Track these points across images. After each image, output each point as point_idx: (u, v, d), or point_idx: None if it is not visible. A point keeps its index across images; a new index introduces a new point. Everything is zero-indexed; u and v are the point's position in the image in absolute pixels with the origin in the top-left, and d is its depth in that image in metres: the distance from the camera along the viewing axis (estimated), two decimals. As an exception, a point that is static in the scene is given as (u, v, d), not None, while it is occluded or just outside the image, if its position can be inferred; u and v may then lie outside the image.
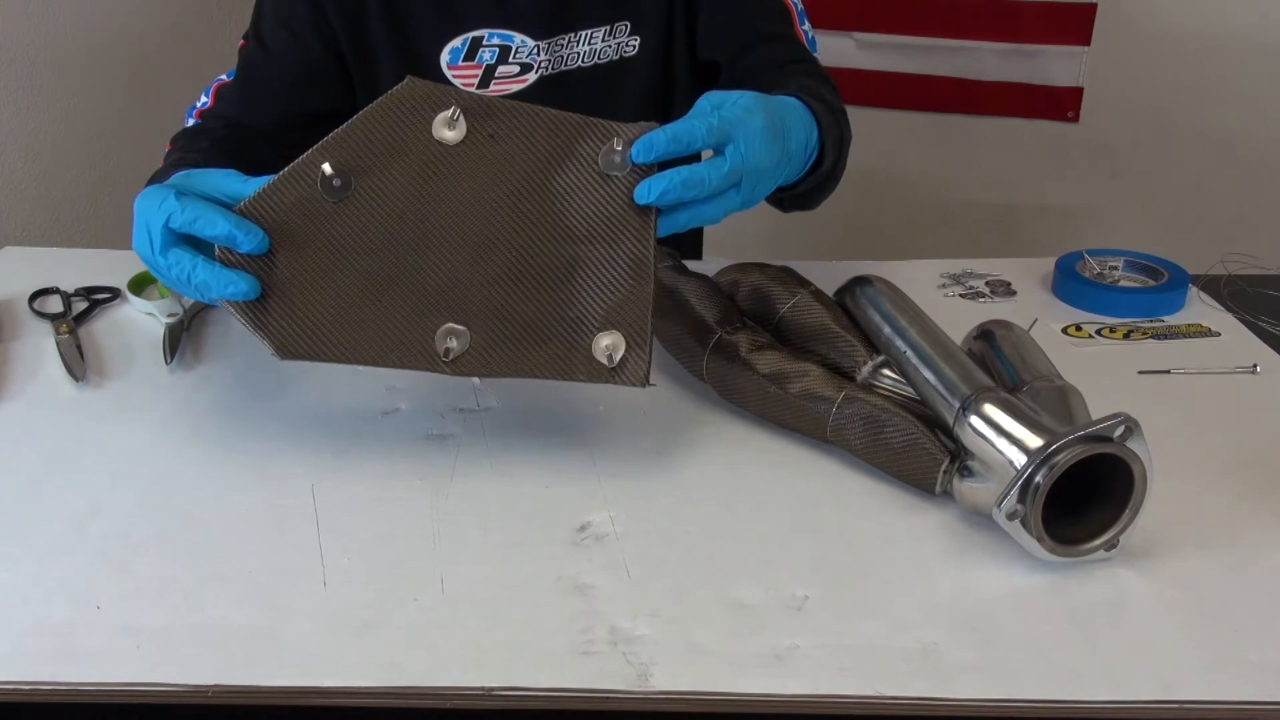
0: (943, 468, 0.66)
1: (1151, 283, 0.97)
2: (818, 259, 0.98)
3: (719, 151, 0.68)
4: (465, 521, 0.65)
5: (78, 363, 0.83)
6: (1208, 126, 1.88)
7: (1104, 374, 0.83)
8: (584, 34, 0.95)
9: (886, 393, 0.71)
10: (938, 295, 0.98)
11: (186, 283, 0.66)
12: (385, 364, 0.67)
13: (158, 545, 0.63)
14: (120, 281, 0.95)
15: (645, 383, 0.68)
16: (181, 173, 0.70)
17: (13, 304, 0.93)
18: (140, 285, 0.95)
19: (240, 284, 0.65)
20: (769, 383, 0.73)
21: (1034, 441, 0.60)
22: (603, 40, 0.96)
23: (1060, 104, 1.96)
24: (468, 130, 0.68)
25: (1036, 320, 0.92)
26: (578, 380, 0.68)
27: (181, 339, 0.87)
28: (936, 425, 0.68)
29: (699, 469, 0.71)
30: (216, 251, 0.66)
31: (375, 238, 0.67)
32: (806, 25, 0.99)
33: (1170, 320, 0.93)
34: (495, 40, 0.93)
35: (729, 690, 0.53)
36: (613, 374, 0.68)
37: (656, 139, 0.67)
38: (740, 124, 0.68)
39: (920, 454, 0.67)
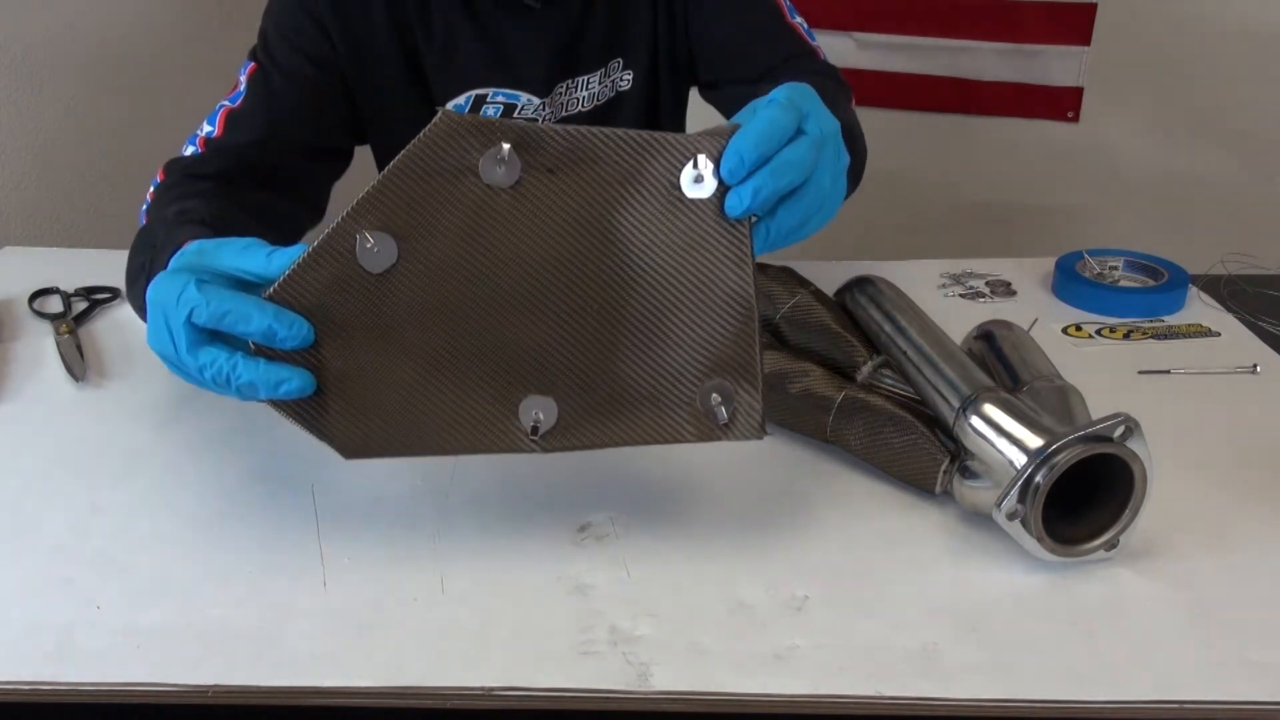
0: (943, 468, 0.66)
1: (1151, 283, 0.97)
2: (818, 259, 0.98)
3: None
4: (465, 521, 0.65)
5: (78, 363, 0.83)
6: (1208, 126, 1.88)
7: (1104, 374, 0.83)
8: (582, 79, 0.96)
9: (887, 393, 0.71)
10: (938, 295, 0.98)
11: (226, 384, 0.57)
12: (466, 450, 0.59)
13: (158, 545, 0.63)
14: (120, 281, 0.95)
15: (762, 432, 0.59)
16: (193, 247, 0.60)
17: (13, 304, 0.93)
18: (140, 285, 0.96)
19: (294, 380, 0.56)
20: (769, 382, 0.73)
21: (1034, 441, 0.60)
22: (599, 82, 0.97)
23: (1060, 104, 1.96)
24: (521, 167, 0.57)
25: (1037, 320, 0.92)
26: (686, 442, 0.60)
27: (181, 339, 0.87)
28: (937, 425, 0.68)
29: (699, 469, 0.71)
30: (252, 346, 0.57)
31: (431, 308, 0.58)
32: (799, 18, 0.98)
33: (1170, 320, 0.93)
34: (500, 98, 0.93)
35: (729, 690, 0.53)
36: (725, 430, 0.59)
37: (744, 148, 0.55)
38: (803, 95, 0.59)
39: (920, 454, 0.67)
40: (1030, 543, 0.60)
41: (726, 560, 0.62)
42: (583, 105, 0.97)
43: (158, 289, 0.58)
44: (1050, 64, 1.93)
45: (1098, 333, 0.91)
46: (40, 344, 0.87)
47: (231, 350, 0.57)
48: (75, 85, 1.45)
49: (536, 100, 0.94)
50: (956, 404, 0.66)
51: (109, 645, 0.55)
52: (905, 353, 0.72)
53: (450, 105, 0.94)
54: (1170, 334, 0.91)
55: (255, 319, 0.55)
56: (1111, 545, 0.61)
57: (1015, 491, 0.59)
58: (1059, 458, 0.58)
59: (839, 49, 1.95)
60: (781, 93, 0.58)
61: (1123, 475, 0.60)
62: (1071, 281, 0.97)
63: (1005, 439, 0.62)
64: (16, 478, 0.69)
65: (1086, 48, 1.90)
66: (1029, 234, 2.08)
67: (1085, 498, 0.61)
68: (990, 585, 0.60)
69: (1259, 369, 0.84)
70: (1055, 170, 2.02)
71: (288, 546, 0.63)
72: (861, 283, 0.80)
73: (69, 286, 0.95)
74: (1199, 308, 0.95)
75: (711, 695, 0.53)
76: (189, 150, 0.87)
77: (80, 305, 0.93)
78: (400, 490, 0.68)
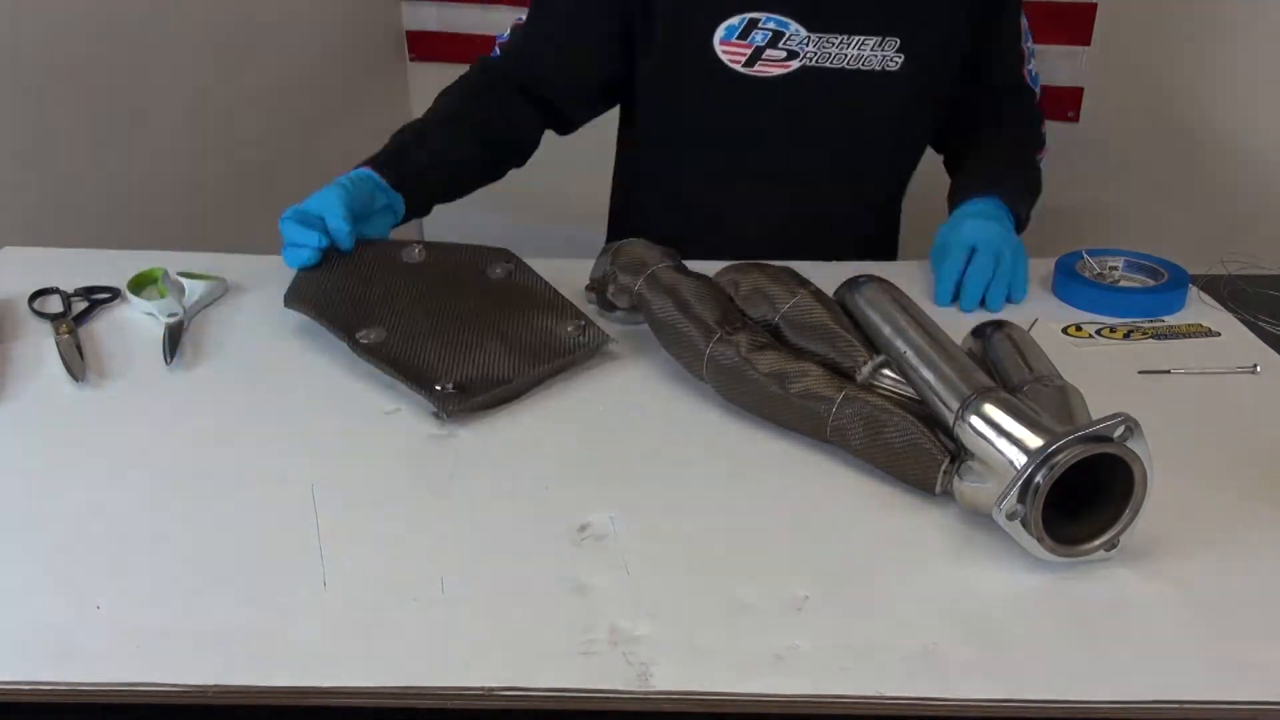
0: (942, 468, 0.66)
1: (1151, 283, 0.97)
2: (819, 259, 0.98)
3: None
4: (465, 521, 0.65)
5: (78, 363, 0.83)
6: (1208, 126, 1.88)
7: (1104, 374, 0.83)
8: (855, 39, 0.99)
9: (886, 393, 0.71)
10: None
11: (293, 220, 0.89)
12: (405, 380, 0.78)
13: (158, 545, 0.63)
14: (120, 281, 0.95)
15: (606, 338, 0.84)
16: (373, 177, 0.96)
17: (13, 304, 0.93)
18: (140, 285, 0.96)
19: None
20: (769, 382, 0.73)
21: (1034, 441, 0.60)
22: (870, 49, 1.00)
23: (1060, 104, 1.96)
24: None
25: (1037, 320, 0.92)
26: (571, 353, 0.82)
27: (181, 339, 0.87)
28: (936, 425, 0.68)
29: (699, 469, 0.71)
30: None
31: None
32: (1032, 65, 1.12)
33: (1170, 320, 0.93)
34: (770, 24, 0.98)
35: (729, 690, 0.53)
36: (582, 343, 0.83)
37: None
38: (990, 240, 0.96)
39: (920, 454, 0.66)
40: (1030, 542, 0.60)
41: (726, 560, 0.62)
42: (847, 63, 1.01)
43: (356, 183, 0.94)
44: (1050, 64, 1.93)
45: (1098, 333, 0.91)
46: (40, 344, 0.87)
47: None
48: (75, 85, 1.45)
49: (805, 31, 0.98)
50: (956, 404, 0.66)
51: (109, 645, 0.55)
52: (905, 353, 0.72)
53: (723, 25, 0.99)
54: (1170, 334, 0.91)
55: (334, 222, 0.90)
56: (1111, 545, 0.61)
57: (1015, 491, 0.59)
58: (1059, 458, 0.58)
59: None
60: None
61: (1123, 475, 0.60)
62: (1071, 281, 0.97)
63: (1005, 439, 0.62)
64: (16, 478, 0.69)
65: (1086, 48, 1.90)
66: (1029, 234, 2.08)
67: (1085, 498, 0.61)
68: (990, 585, 0.60)
69: (1259, 369, 0.84)
70: (1055, 170, 2.01)
71: (288, 546, 0.63)
72: (861, 282, 0.80)
73: (69, 286, 0.95)
74: (1199, 308, 0.95)
75: (711, 695, 0.53)
76: (495, 50, 1.10)
77: (80, 305, 0.93)
78: (400, 490, 0.68)
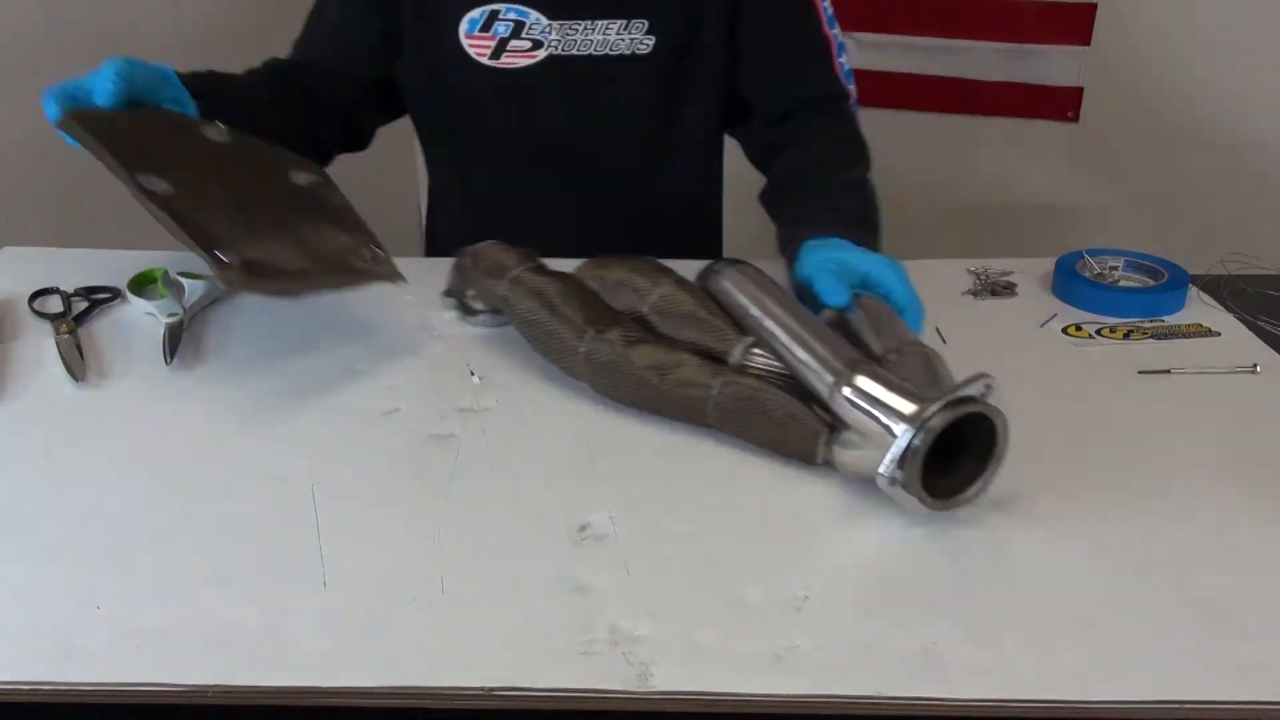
0: (822, 439, 0.68)
1: (1151, 283, 0.97)
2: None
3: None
4: (465, 521, 0.65)
5: (78, 363, 0.83)
6: (1208, 126, 1.88)
7: (1104, 374, 0.83)
8: (599, 24, 0.98)
9: (760, 372, 0.73)
10: (943, 295, 0.98)
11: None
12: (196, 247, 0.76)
13: (158, 545, 0.63)
14: (120, 281, 0.95)
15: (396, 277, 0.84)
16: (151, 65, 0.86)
17: (13, 304, 0.93)
18: (140, 285, 0.95)
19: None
20: (647, 375, 0.74)
21: (908, 408, 0.63)
22: (616, 33, 0.98)
23: (1060, 104, 1.96)
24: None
25: (1055, 316, 0.92)
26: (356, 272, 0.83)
27: (181, 339, 0.87)
28: (812, 399, 0.69)
29: (699, 469, 0.71)
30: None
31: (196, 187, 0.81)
32: (844, 58, 1.04)
33: (1170, 320, 0.93)
34: (511, 15, 0.96)
35: (729, 690, 0.53)
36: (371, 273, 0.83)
37: None
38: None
39: (799, 427, 0.68)
40: (911, 503, 0.63)
41: (726, 560, 0.62)
42: (594, 49, 0.99)
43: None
44: (1050, 64, 1.93)
45: (1098, 333, 0.91)
46: (40, 344, 0.87)
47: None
48: (75, 85, 1.45)
49: (546, 20, 0.97)
50: (830, 378, 0.68)
51: (109, 645, 0.55)
52: (774, 332, 0.73)
53: (465, 19, 0.98)
54: (1170, 334, 0.91)
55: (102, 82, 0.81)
56: (980, 493, 0.66)
57: (896, 457, 0.62)
58: (933, 421, 0.61)
59: (839, 49, 1.95)
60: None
61: (985, 428, 0.65)
62: (1071, 281, 0.97)
63: (880, 408, 0.65)
64: (16, 478, 0.69)
65: (1086, 48, 1.90)
66: (1029, 234, 2.08)
67: (952, 452, 0.64)
68: (991, 585, 0.60)
69: (1259, 369, 0.84)
70: (1055, 170, 2.02)
71: (288, 546, 0.63)
72: (720, 268, 0.81)
73: (69, 286, 0.95)
74: (1199, 308, 0.95)
75: (711, 695, 0.53)
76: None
77: (80, 305, 0.93)
78: (400, 490, 0.68)
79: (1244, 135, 1.86)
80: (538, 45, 0.98)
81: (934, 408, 0.62)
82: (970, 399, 0.63)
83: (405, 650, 0.55)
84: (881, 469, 0.62)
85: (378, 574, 0.61)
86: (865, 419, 0.65)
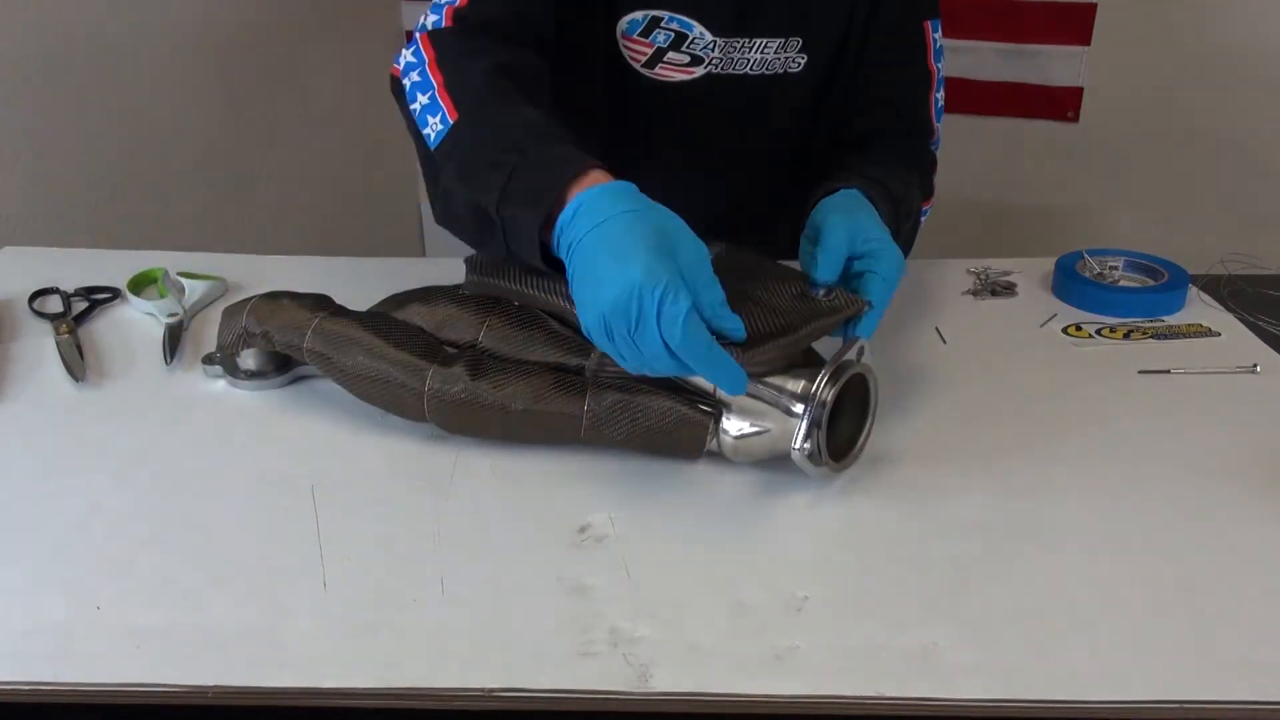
0: (709, 429, 0.68)
1: (1151, 283, 0.97)
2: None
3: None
4: (465, 522, 0.65)
5: (78, 363, 0.83)
6: (1208, 126, 1.88)
7: (1104, 374, 0.83)
8: (760, 41, 0.94)
9: (615, 377, 0.70)
10: (944, 294, 0.98)
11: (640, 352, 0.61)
12: None
13: (158, 545, 0.63)
14: (120, 281, 0.95)
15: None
16: (654, 230, 0.62)
17: (13, 304, 0.93)
18: (140, 285, 0.96)
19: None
20: (508, 402, 0.70)
21: (798, 385, 0.66)
22: (774, 52, 0.95)
23: (1060, 104, 1.96)
24: None
25: (1055, 316, 0.92)
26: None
27: (181, 339, 0.87)
28: (682, 391, 0.69)
29: (699, 469, 0.71)
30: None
31: None
32: (940, 93, 1.01)
33: (1170, 320, 0.93)
34: (674, 24, 0.92)
35: (729, 691, 0.53)
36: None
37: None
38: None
39: (689, 424, 0.69)
40: (821, 471, 0.66)
41: (726, 560, 0.62)
42: (751, 68, 0.95)
43: (628, 264, 0.59)
44: (1050, 64, 1.93)
45: (1098, 333, 0.91)
46: (40, 344, 0.87)
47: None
48: (75, 85, 1.45)
49: (710, 36, 0.93)
50: None
51: (109, 645, 0.55)
52: None
53: (626, 19, 0.92)
54: (1170, 334, 0.91)
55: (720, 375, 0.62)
56: (861, 450, 0.70)
57: (803, 431, 0.64)
58: (826, 394, 0.65)
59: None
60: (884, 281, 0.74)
61: (858, 384, 0.69)
62: (1071, 281, 0.97)
63: (771, 390, 0.67)
64: (16, 478, 0.69)
65: (1086, 48, 1.90)
66: (1029, 234, 2.08)
67: (833, 417, 0.67)
68: (991, 585, 0.60)
69: (1259, 369, 0.84)
70: (1055, 170, 2.02)
71: (288, 546, 0.63)
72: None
73: (69, 286, 0.95)
74: (1199, 308, 0.95)
75: (712, 696, 0.53)
76: (431, 18, 0.82)
77: (80, 305, 0.93)
78: (400, 490, 0.68)
79: (1244, 135, 1.86)
80: (697, 61, 0.94)
81: (822, 380, 0.65)
82: (851, 363, 0.67)
83: (405, 651, 0.55)
84: (795, 445, 0.65)
85: (378, 575, 0.61)
86: (756, 403, 0.67)
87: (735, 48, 0.94)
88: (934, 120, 1.02)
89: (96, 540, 0.63)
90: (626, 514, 0.66)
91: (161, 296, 0.92)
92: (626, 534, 0.64)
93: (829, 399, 0.65)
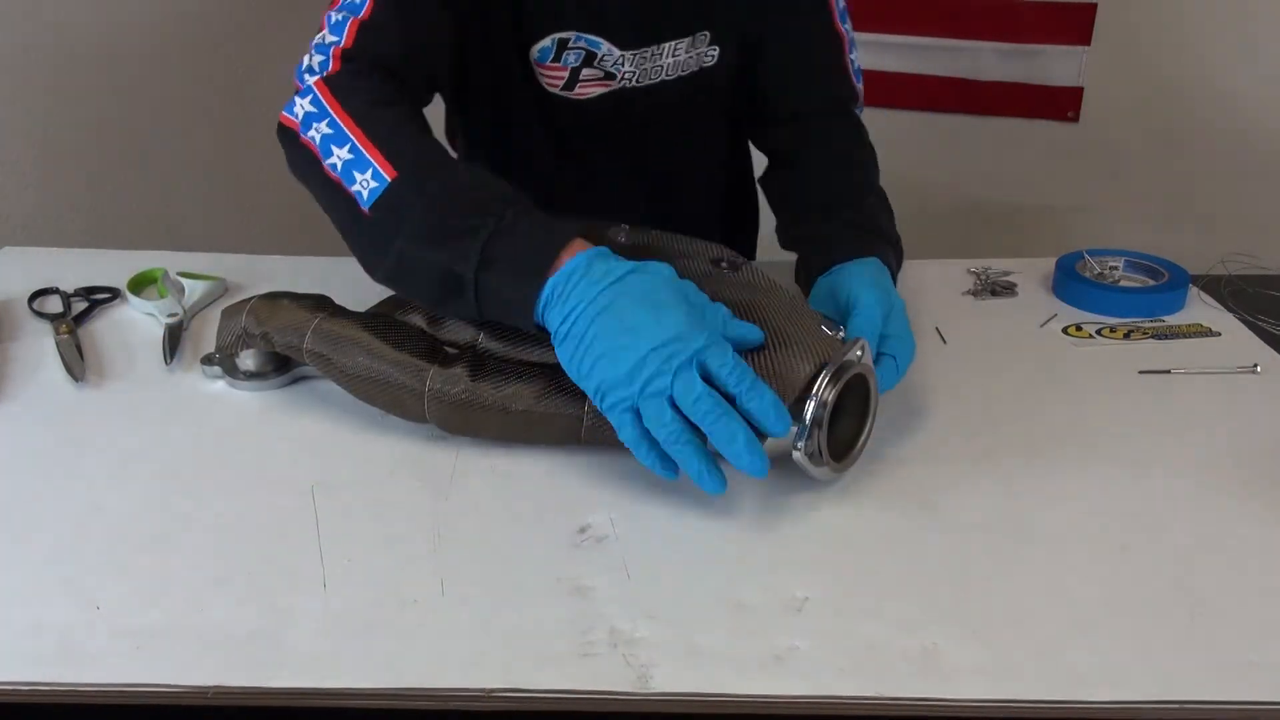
0: None
1: (1151, 283, 0.97)
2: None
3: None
4: (465, 523, 0.65)
5: (77, 363, 0.83)
6: (1208, 126, 1.88)
7: (1104, 374, 0.83)
8: (669, 45, 0.94)
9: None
10: (944, 294, 0.98)
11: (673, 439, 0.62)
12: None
13: (158, 545, 0.63)
14: (120, 281, 0.95)
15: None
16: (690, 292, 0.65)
17: (13, 304, 0.93)
18: (140, 285, 0.96)
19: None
20: (508, 403, 0.70)
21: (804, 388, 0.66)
22: (685, 51, 0.95)
23: (1060, 104, 1.96)
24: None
25: (1055, 316, 0.92)
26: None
27: (181, 339, 0.87)
28: None
29: (699, 469, 0.71)
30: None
31: None
32: (855, 54, 1.01)
33: (1170, 320, 0.93)
34: (581, 43, 0.92)
35: (729, 691, 0.53)
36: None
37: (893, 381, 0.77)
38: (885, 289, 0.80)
39: None
40: (823, 471, 0.66)
41: (726, 561, 0.62)
42: (667, 74, 0.96)
43: (647, 321, 0.62)
44: (1050, 64, 1.93)
45: (1098, 333, 0.91)
46: (40, 344, 0.87)
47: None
48: (75, 85, 1.45)
49: (619, 51, 0.92)
50: None
51: (109, 645, 0.55)
52: None
53: (536, 47, 0.91)
54: (1170, 334, 0.91)
55: (740, 454, 0.62)
56: (862, 449, 0.70)
57: (807, 432, 0.65)
58: (827, 394, 0.65)
59: (839, 49, 1.95)
60: (877, 306, 0.77)
61: (860, 386, 0.69)
62: (1071, 281, 0.97)
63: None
64: (16, 478, 0.69)
65: (1086, 48, 1.90)
66: (1029, 234, 2.08)
67: (834, 417, 0.67)
68: (991, 585, 0.60)
69: (1259, 369, 0.84)
70: (1055, 170, 2.02)
71: (288, 547, 0.63)
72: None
73: (69, 286, 0.95)
74: (1199, 308, 0.95)
75: (711, 697, 0.53)
76: (317, 59, 0.78)
77: (80, 305, 0.93)
78: (400, 491, 0.68)
79: (1244, 135, 1.86)
80: (612, 77, 0.94)
81: (823, 380, 0.65)
82: (852, 363, 0.67)
83: (405, 652, 0.55)
84: (796, 445, 0.65)
85: (377, 575, 0.61)
86: None
87: (647, 57, 0.94)
88: (855, 82, 1.02)
89: (96, 540, 0.63)
90: (626, 514, 0.66)
91: (161, 296, 0.92)
92: (626, 534, 0.64)
93: (830, 399, 0.65)
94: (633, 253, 0.67)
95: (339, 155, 0.72)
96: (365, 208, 0.70)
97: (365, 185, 0.70)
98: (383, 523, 0.65)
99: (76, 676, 0.53)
